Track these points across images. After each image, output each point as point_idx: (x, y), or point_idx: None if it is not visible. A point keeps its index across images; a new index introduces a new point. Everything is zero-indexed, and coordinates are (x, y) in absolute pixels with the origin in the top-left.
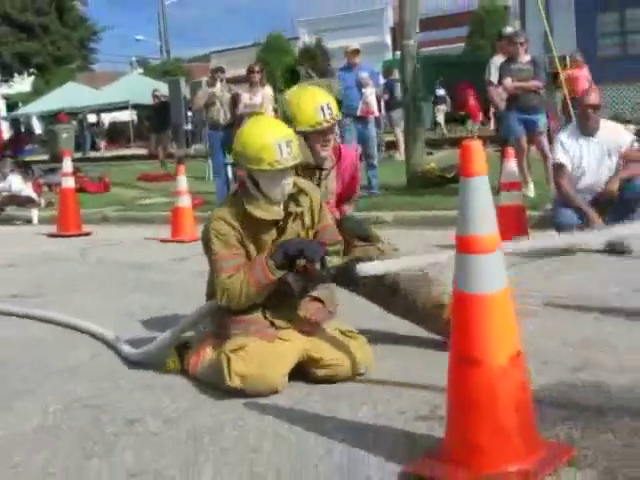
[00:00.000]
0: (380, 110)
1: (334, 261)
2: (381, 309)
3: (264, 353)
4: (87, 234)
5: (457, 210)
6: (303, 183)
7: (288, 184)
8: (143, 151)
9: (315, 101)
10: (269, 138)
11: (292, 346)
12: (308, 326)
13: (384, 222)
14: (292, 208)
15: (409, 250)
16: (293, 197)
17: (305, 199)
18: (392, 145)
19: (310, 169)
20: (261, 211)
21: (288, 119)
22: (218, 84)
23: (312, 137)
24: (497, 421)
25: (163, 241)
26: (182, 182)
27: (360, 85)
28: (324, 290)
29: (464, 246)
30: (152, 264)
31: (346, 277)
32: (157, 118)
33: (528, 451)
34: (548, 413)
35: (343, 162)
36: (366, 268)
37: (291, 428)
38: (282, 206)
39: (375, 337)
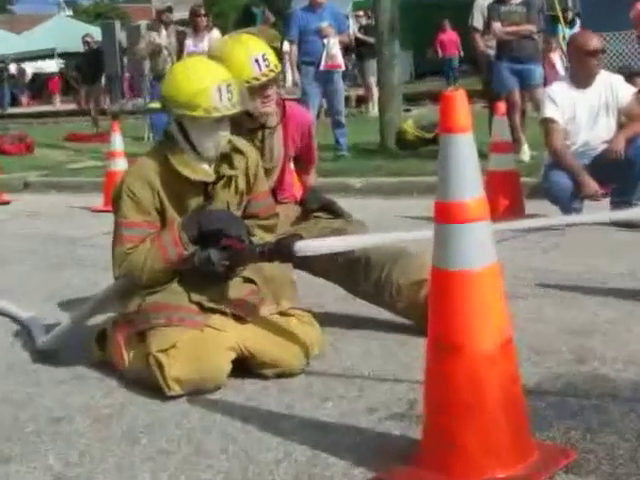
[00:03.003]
0: (349, 59)
1: (267, 238)
2: (343, 290)
3: (199, 348)
4: (6, 203)
5: (437, 173)
6: (239, 142)
7: (224, 137)
8: (72, 106)
9: (248, 52)
10: (207, 80)
11: (227, 337)
12: (241, 310)
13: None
14: (224, 170)
15: (378, 223)
16: (227, 157)
17: (240, 160)
18: (363, 100)
19: (251, 129)
20: (188, 169)
21: None
22: (164, 30)
23: (251, 93)
24: (482, 419)
25: (95, 211)
26: (117, 142)
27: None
28: (274, 270)
29: (444, 214)
30: (82, 237)
31: (280, 256)
32: (88, 68)
33: (519, 454)
34: (543, 410)
35: (291, 120)
36: (304, 247)
37: (243, 427)
38: (213, 167)
39: (338, 321)
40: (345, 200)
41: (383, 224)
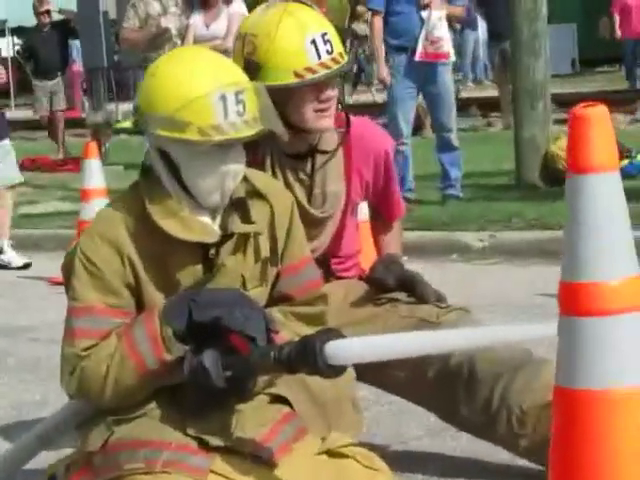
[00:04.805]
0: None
1: (304, 332)
2: (436, 415)
3: None
4: None
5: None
6: (261, 179)
7: (234, 174)
8: (28, 114)
9: (301, 31)
10: (204, 83)
11: None
12: (265, 448)
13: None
14: (236, 226)
15: (509, 304)
16: (240, 205)
17: (263, 209)
18: (492, 106)
19: (293, 155)
20: (175, 224)
21: (253, 64)
22: (172, 7)
23: (299, 95)
24: None
25: (55, 284)
26: (94, 173)
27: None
28: (323, 382)
29: (572, 302)
30: (29, 327)
31: (305, 365)
32: (50, 53)
33: None
34: None
35: (357, 143)
36: (342, 350)
37: None
38: (218, 220)
39: (427, 465)
40: (458, 267)
41: (517, 307)
